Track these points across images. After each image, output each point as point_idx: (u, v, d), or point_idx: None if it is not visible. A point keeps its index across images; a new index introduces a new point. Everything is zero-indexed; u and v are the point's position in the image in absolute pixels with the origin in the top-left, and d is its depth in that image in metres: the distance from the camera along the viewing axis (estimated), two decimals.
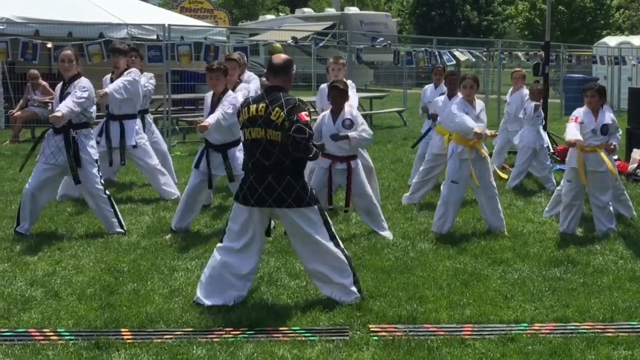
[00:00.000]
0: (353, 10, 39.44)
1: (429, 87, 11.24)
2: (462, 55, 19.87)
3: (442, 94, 10.06)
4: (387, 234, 8.01)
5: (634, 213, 9.02)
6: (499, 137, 11.65)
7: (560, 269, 6.96)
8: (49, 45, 14.28)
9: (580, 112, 8.08)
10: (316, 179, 7.84)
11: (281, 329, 5.46)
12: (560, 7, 45.72)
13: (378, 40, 20.69)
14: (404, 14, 59.51)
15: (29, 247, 7.48)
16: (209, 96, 8.02)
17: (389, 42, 21.03)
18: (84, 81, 7.80)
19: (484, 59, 23.18)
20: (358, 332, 5.41)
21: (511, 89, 12.22)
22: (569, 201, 8.21)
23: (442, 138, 9.34)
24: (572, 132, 7.81)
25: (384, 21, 37.06)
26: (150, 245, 7.61)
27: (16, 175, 11.13)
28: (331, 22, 35.36)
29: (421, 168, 9.91)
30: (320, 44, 20.07)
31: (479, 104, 8.28)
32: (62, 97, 7.68)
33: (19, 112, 15.52)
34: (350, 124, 7.74)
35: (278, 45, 13.16)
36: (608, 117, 8.09)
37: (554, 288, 6.40)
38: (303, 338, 5.29)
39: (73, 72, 7.81)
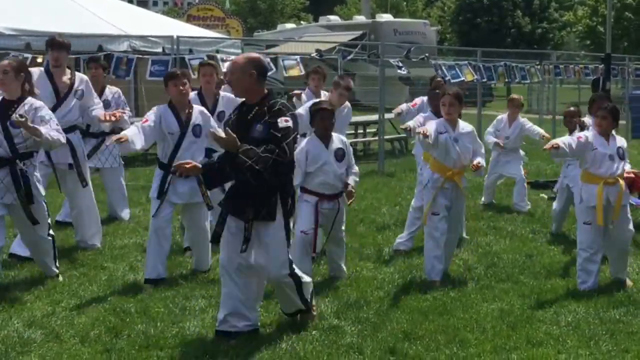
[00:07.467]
0: (386, 17, 39.62)
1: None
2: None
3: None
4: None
5: None
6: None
7: (620, 310, 7.18)
8: (40, 59, 14.63)
9: (589, 135, 7.83)
10: (305, 217, 7.75)
11: None
12: (626, 13, 45.71)
13: (411, 48, 20.17)
14: (445, 21, 59.96)
15: (24, 284, 7.82)
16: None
17: (426, 54, 20.91)
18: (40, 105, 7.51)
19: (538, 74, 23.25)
20: None
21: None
22: (591, 252, 7.84)
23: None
24: (564, 139, 7.83)
25: (422, 30, 37.08)
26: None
27: None
28: (360, 32, 35.67)
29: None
30: (348, 57, 19.78)
31: (464, 125, 8.19)
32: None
33: None
34: (342, 155, 7.81)
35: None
36: (620, 140, 7.94)
37: (612, 331, 6.63)
38: None
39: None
